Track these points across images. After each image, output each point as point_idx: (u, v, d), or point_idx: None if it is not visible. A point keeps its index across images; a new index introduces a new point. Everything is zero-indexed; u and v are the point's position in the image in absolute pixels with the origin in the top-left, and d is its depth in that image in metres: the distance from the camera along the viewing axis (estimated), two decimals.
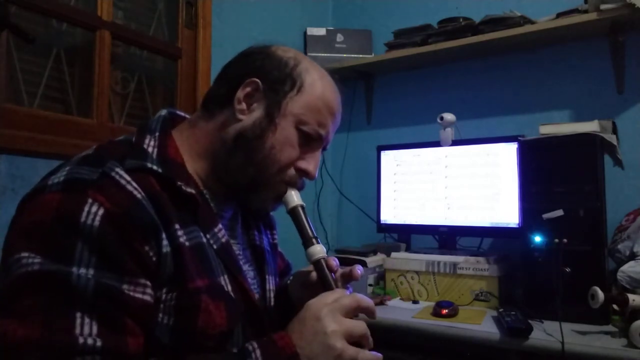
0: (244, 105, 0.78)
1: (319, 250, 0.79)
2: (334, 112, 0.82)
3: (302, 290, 0.87)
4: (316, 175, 0.83)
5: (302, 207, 0.81)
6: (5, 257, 0.62)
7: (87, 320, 0.59)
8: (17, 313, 0.57)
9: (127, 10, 1.64)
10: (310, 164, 0.81)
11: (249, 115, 0.78)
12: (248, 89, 0.78)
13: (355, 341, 0.69)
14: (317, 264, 0.79)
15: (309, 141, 0.80)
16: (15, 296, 0.59)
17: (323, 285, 0.77)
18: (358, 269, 0.82)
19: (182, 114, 0.86)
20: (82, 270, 0.60)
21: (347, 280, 0.83)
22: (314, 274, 0.83)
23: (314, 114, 0.79)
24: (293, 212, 0.81)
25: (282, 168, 0.79)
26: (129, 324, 0.62)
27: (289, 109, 0.78)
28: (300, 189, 0.83)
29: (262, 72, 0.78)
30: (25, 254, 0.60)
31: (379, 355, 0.71)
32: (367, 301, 0.73)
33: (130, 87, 1.66)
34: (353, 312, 0.71)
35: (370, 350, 0.71)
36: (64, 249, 0.60)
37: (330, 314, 0.68)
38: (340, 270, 0.83)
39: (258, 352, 0.66)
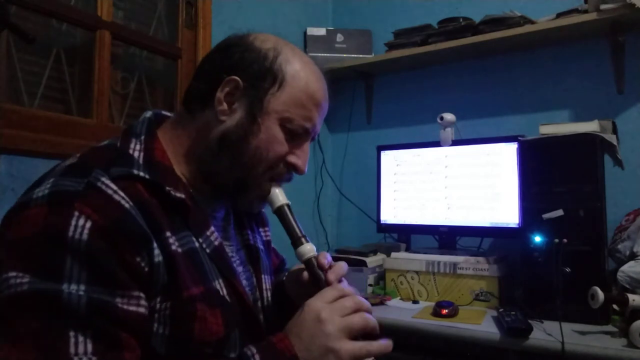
0: (225, 106, 0.75)
1: (308, 249, 0.78)
2: (319, 103, 0.79)
3: (297, 289, 0.87)
4: (306, 170, 0.81)
5: (288, 205, 0.80)
6: None
7: (81, 338, 0.57)
8: (9, 336, 0.56)
9: (127, 10, 1.64)
10: (300, 158, 0.79)
11: (231, 116, 0.75)
12: (228, 88, 0.75)
13: (360, 335, 0.69)
14: (307, 263, 0.78)
15: (296, 136, 0.78)
16: (6, 318, 0.57)
17: (315, 283, 0.77)
18: (343, 266, 0.81)
19: (167, 113, 0.85)
20: (73, 287, 0.58)
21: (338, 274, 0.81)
22: (305, 273, 0.83)
23: (298, 108, 0.76)
24: (279, 212, 0.79)
25: (270, 166, 0.77)
26: (125, 338, 0.61)
27: (271, 106, 0.75)
28: (287, 181, 0.81)
29: (242, 66, 0.75)
30: (13, 274, 0.58)
31: (384, 343, 0.70)
32: (366, 305, 0.73)
33: (130, 87, 1.66)
34: (352, 313, 0.71)
35: (379, 336, 0.71)
36: (53, 266, 0.58)
37: (329, 316, 0.68)
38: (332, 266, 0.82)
39: (257, 357, 0.66)
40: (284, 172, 0.79)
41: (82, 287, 0.58)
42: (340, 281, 0.79)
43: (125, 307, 0.61)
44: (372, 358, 0.71)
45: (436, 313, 1.43)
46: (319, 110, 0.80)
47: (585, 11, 1.64)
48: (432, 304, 1.51)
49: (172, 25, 1.76)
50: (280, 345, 0.67)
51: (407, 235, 2.04)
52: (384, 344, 0.71)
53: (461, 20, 1.89)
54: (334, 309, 0.69)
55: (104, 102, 1.49)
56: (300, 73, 0.77)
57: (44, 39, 1.41)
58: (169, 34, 1.77)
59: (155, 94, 1.76)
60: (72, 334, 0.57)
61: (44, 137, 1.29)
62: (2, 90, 1.27)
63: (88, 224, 0.60)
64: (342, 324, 0.68)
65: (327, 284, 0.76)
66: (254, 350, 0.67)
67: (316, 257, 0.78)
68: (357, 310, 0.71)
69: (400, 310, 1.53)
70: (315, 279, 0.77)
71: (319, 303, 0.70)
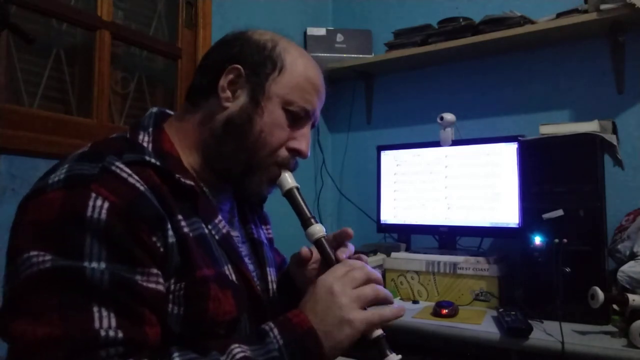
0: (228, 93, 0.78)
1: (318, 229, 0.79)
2: (317, 88, 0.82)
3: (299, 271, 0.88)
4: (309, 154, 0.83)
5: (297, 188, 0.82)
6: (12, 258, 0.61)
7: (105, 313, 0.59)
8: (34, 312, 0.57)
9: (127, 10, 1.64)
10: (302, 143, 0.81)
11: (235, 102, 0.78)
12: (230, 76, 0.78)
13: (373, 304, 0.72)
14: (317, 242, 0.79)
15: (297, 120, 0.80)
16: (29, 295, 0.58)
17: (326, 262, 0.78)
18: (351, 248, 0.83)
19: (170, 112, 0.87)
20: (94, 264, 0.59)
21: (341, 242, 0.83)
22: (304, 250, 0.85)
23: (298, 92, 0.79)
24: (289, 194, 0.81)
25: (273, 150, 0.79)
26: (146, 314, 0.62)
27: (273, 90, 0.78)
28: (293, 169, 0.83)
29: (242, 57, 0.79)
30: (35, 253, 0.59)
31: (397, 307, 0.73)
32: (376, 275, 0.75)
33: (130, 87, 1.66)
34: (363, 284, 0.73)
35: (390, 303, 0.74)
36: (74, 244, 0.60)
37: (341, 289, 0.70)
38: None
39: (275, 330, 0.67)
40: (288, 157, 0.81)
41: (103, 265, 0.60)
42: (350, 257, 0.80)
43: (145, 284, 0.63)
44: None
45: (436, 313, 1.43)
46: (318, 95, 0.83)
47: (585, 11, 1.64)
48: (432, 304, 1.51)
49: (172, 25, 1.76)
50: (296, 320, 0.69)
51: (407, 235, 2.04)
52: (396, 308, 0.73)
53: (461, 20, 1.89)
54: (345, 281, 0.71)
55: (104, 102, 1.49)
56: (298, 60, 0.81)
57: (44, 39, 1.41)
58: (169, 34, 1.76)
59: (155, 94, 1.76)
60: (96, 308, 0.58)
61: (44, 137, 1.29)
62: (2, 90, 1.27)
63: (106, 204, 0.62)
64: (354, 295, 0.70)
65: (337, 261, 0.78)
66: (272, 325, 0.68)
67: (325, 237, 0.80)
68: (367, 280, 0.73)
69: None
70: (326, 258, 0.79)
71: (330, 278, 0.72)
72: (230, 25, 1.87)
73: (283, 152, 0.80)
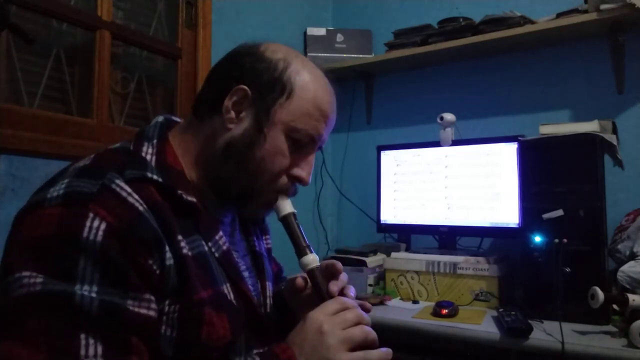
0: (232, 114, 0.75)
1: (312, 259, 0.78)
2: (326, 115, 0.79)
3: (293, 297, 0.88)
4: (310, 181, 0.81)
5: (294, 214, 0.80)
6: (5, 274, 0.60)
7: (91, 341, 0.57)
8: (21, 335, 0.56)
9: (127, 10, 1.65)
10: (304, 170, 0.79)
11: (238, 125, 0.76)
12: (236, 97, 0.75)
13: (360, 347, 0.71)
14: (310, 273, 0.78)
15: (301, 147, 0.78)
16: (18, 318, 0.57)
17: (317, 295, 0.77)
18: (344, 278, 0.82)
19: (177, 119, 0.85)
20: (86, 288, 0.58)
21: (331, 276, 0.82)
22: (299, 280, 0.84)
23: (305, 118, 0.76)
24: (285, 221, 0.80)
25: (273, 177, 0.77)
26: (134, 342, 0.61)
27: (278, 116, 0.75)
28: (292, 194, 0.81)
29: (251, 76, 0.76)
30: (27, 273, 0.58)
31: (384, 351, 0.72)
32: (367, 318, 0.74)
33: (130, 87, 1.66)
34: (353, 326, 0.72)
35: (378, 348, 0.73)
36: (67, 267, 0.59)
37: (330, 329, 0.70)
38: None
39: None
40: (288, 185, 0.79)
41: (95, 289, 0.59)
42: (343, 290, 0.80)
43: (136, 309, 0.62)
44: None
45: (436, 313, 1.43)
46: (326, 122, 0.80)
47: (585, 11, 1.64)
48: (432, 304, 1.51)
49: (172, 25, 1.76)
50: (284, 356, 0.68)
51: (407, 235, 2.04)
52: (384, 352, 0.72)
53: (461, 20, 1.90)
54: (335, 321, 0.71)
55: (104, 102, 1.49)
56: (309, 85, 0.77)
57: (44, 39, 1.41)
58: (169, 34, 1.76)
59: (155, 94, 1.76)
60: (83, 335, 0.57)
61: (44, 137, 1.29)
62: (2, 90, 1.27)
63: (103, 226, 0.61)
64: (343, 337, 0.70)
65: (330, 295, 0.77)
66: None
67: (318, 267, 0.79)
68: (357, 323, 0.72)
69: (400, 310, 1.53)
70: (317, 291, 0.78)
71: (320, 315, 0.71)
72: (231, 25, 1.88)
73: (283, 180, 0.78)
